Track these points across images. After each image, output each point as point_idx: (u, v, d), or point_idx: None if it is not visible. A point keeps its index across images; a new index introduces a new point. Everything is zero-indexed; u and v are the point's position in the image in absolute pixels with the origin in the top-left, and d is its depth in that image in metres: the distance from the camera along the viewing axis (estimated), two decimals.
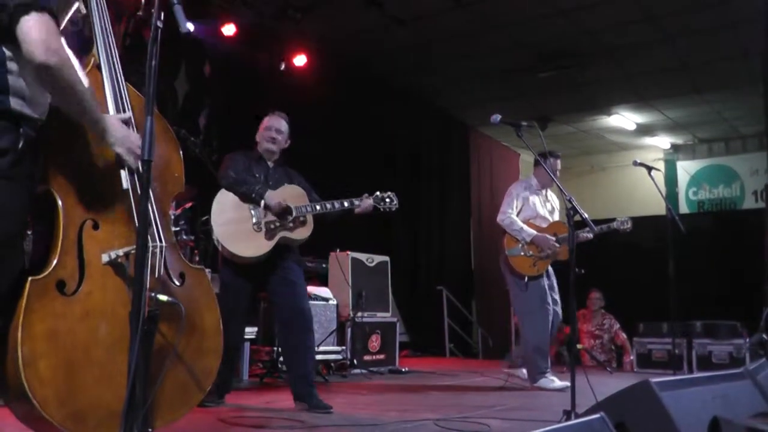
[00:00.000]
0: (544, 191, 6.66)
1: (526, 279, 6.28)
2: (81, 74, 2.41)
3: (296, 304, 4.74)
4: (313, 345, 4.90)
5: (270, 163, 4.97)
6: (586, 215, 4.32)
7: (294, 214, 4.71)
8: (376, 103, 10.32)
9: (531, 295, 6.29)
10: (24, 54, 2.18)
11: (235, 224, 4.67)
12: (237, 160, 4.87)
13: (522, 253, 6.31)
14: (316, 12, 8.57)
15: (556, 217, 6.63)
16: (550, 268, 6.47)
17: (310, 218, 4.81)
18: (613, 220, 6.59)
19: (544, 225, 6.45)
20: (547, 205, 6.65)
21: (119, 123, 2.55)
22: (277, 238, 4.68)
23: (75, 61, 2.34)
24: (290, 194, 4.81)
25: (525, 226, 6.32)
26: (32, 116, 2.30)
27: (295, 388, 4.67)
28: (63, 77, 2.24)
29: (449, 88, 11.27)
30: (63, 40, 2.26)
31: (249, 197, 4.69)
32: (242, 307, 4.80)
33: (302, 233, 4.79)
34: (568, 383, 6.02)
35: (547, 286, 6.37)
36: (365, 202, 4.88)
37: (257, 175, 4.83)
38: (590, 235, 6.32)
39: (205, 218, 5.13)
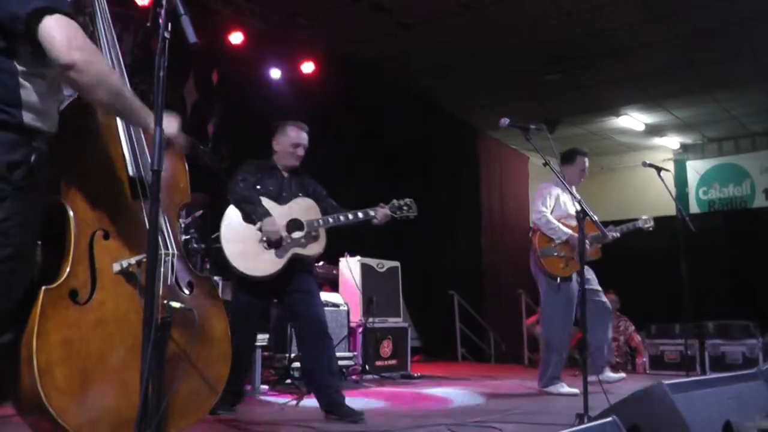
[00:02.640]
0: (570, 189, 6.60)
1: (558, 280, 6.20)
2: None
3: (311, 313, 4.64)
4: (334, 353, 4.75)
5: (285, 173, 4.83)
6: (596, 218, 4.31)
7: (305, 229, 4.59)
8: (384, 108, 10.34)
9: (562, 297, 6.19)
10: (49, 57, 2.20)
11: (244, 242, 4.55)
12: (248, 172, 4.74)
13: (555, 254, 6.21)
14: (323, 18, 8.60)
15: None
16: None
17: (322, 232, 4.67)
18: (632, 220, 6.57)
19: (574, 223, 6.37)
20: (575, 204, 6.58)
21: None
22: (288, 255, 4.55)
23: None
24: (300, 208, 4.69)
25: (561, 225, 6.20)
26: (44, 130, 2.33)
27: (321, 400, 4.54)
28: (92, 73, 2.26)
29: (457, 92, 11.27)
30: (86, 37, 2.27)
31: (250, 218, 4.57)
32: (252, 320, 4.74)
33: (314, 249, 4.67)
34: (577, 390, 6.03)
35: (577, 288, 6.29)
36: (380, 212, 4.71)
37: (271, 188, 4.71)
38: (617, 234, 6.30)
39: (215, 235, 4.98)
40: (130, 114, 2.48)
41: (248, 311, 4.68)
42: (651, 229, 6.49)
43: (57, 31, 2.18)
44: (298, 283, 4.64)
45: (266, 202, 4.63)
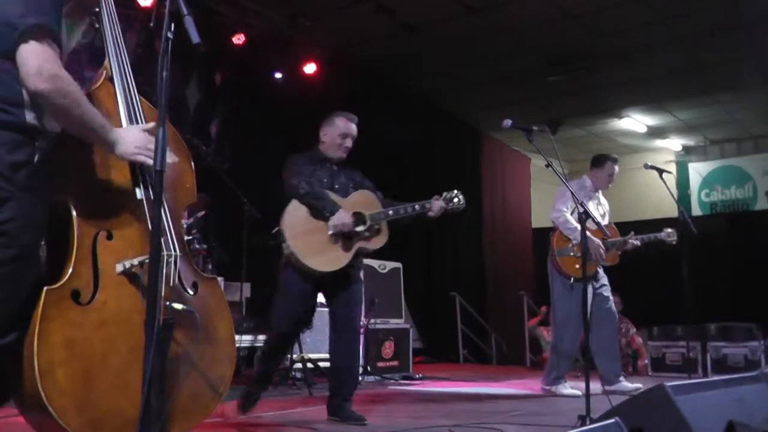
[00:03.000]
0: (597, 194, 6.56)
1: (572, 280, 6.19)
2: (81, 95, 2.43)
3: (350, 313, 4.60)
4: (357, 359, 4.72)
5: (334, 167, 4.70)
6: (598, 220, 4.30)
7: (368, 222, 4.48)
8: (386, 110, 10.33)
9: (575, 298, 6.14)
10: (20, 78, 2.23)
11: (310, 236, 4.39)
12: (302, 164, 4.58)
13: (571, 254, 6.21)
14: (326, 20, 8.60)
15: (607, 221, 6.53)
16: (600, 270, 6.41)
17: (384, 225, 4.60)
18: (654, 227, 6.57)
19: (594, 228, 6.33)
20: (600, 209, 6.51)
21: (130, 130, 2.56)
22: (354, 249, 4.47)
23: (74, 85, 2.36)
24: (362, 201, 4.59)
25: (579, 226, 6.18)
26: (47, 129, 2.34)
27: (329, 400, 4.52)
28: (57, 103, 2.27)
29: (460, 93, 11.27)
30: (59, 67, 2.28)
31: (320, 213, 4.41)
32: (303, 311, 4.62)
33: (379, 242, 4.59)
34: (580, 392, 6.00)
35: (591, 292, 6.22)
36: (436, 205, 4.67)
37: (324, 180, 4.59)
38: (637, 242, 6.28)
39: (275, 230, 4.64)
40: (91, 136, 2.47)
41: (299, 303, 4.53)
42: (674, 243, 6.45)
43: (32, 58, 2.21)
44: (348, 281, 4.57)
45: (331, 195, 4.51)
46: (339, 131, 4.68)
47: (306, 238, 4.40)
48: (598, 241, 6.16)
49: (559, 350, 6.26)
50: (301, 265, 4.37)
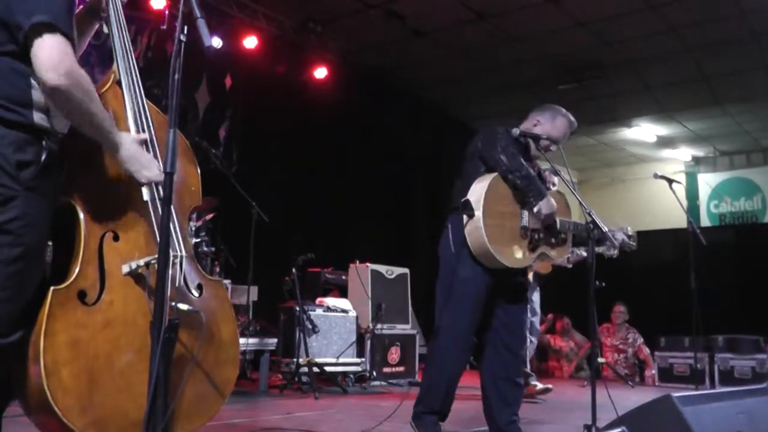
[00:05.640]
0: None
1: None
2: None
3: (520, 332, 4.12)
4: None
5: (533, 163, 4.10)
6: (606, 229, 4.26)
7: (558, 228, 4.00)
8: (396, 115, 10.34)
9: None
10: (37, 75, 2.22)
11: (501, 219, 3.82)
12: (508, 141, 3.91)
13: None
14: (336, 24, 8.62)
15: None
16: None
17: (570, 237, 4.12)
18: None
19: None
20: None
21: (132, 141, 2.54)
22: (538, 252, 3.97)
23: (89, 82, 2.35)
24: (557, 203, 4.02)
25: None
26: (54, 130, 2.34)
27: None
28: (74, 99, 2.26)
29: (469, 101, 11.27)
30: (75, 62, 2.28)
31: (525, 194, 3.84)
32: (481, 312, 3.94)
33: (561, 253, 4.14)
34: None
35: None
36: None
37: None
38: (584, 254, 6.24)
39: (464, 200, 3.87)
40: (97, 136, 2.45)
41: (481, 300, 3.90)
42: (614, 256, 5.88)
43: (47, 52, 2.19)
44: (517, 294, 4.07)
45: None
46: (555, 134, 4.15)
47: (498, 220, 3.80)
48: None
49: None
50: (481, 250, 3.78)
